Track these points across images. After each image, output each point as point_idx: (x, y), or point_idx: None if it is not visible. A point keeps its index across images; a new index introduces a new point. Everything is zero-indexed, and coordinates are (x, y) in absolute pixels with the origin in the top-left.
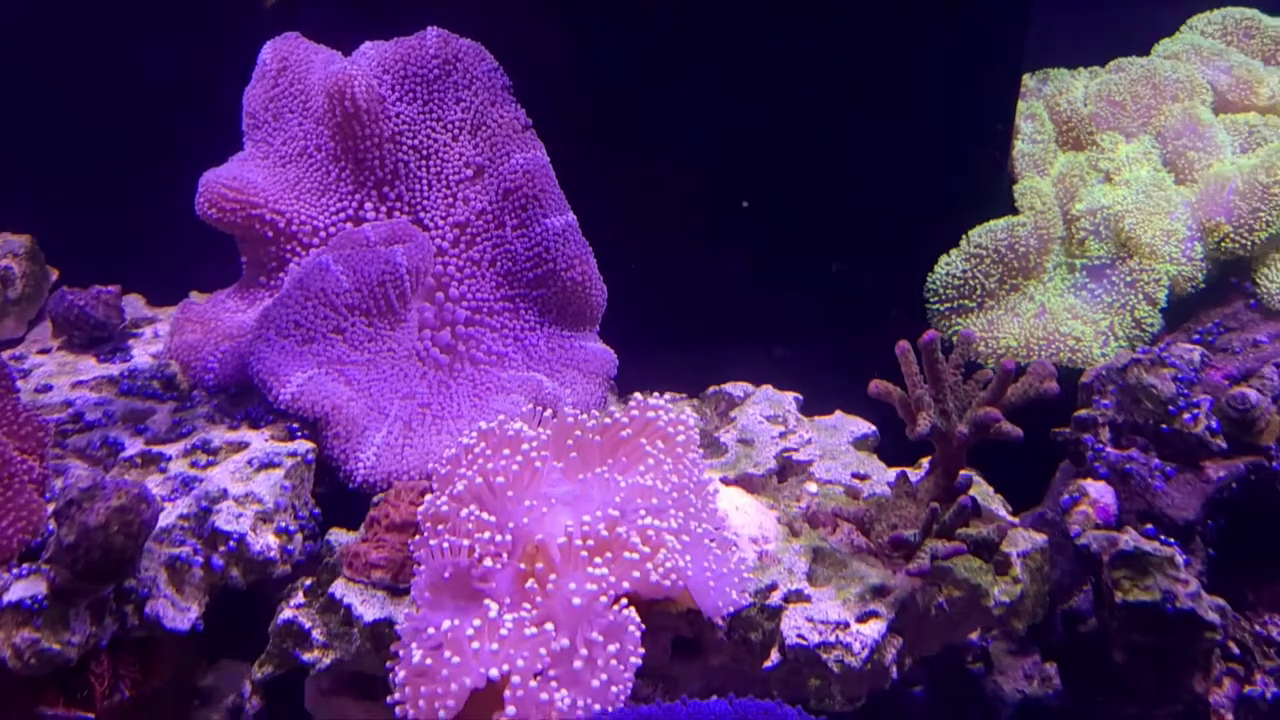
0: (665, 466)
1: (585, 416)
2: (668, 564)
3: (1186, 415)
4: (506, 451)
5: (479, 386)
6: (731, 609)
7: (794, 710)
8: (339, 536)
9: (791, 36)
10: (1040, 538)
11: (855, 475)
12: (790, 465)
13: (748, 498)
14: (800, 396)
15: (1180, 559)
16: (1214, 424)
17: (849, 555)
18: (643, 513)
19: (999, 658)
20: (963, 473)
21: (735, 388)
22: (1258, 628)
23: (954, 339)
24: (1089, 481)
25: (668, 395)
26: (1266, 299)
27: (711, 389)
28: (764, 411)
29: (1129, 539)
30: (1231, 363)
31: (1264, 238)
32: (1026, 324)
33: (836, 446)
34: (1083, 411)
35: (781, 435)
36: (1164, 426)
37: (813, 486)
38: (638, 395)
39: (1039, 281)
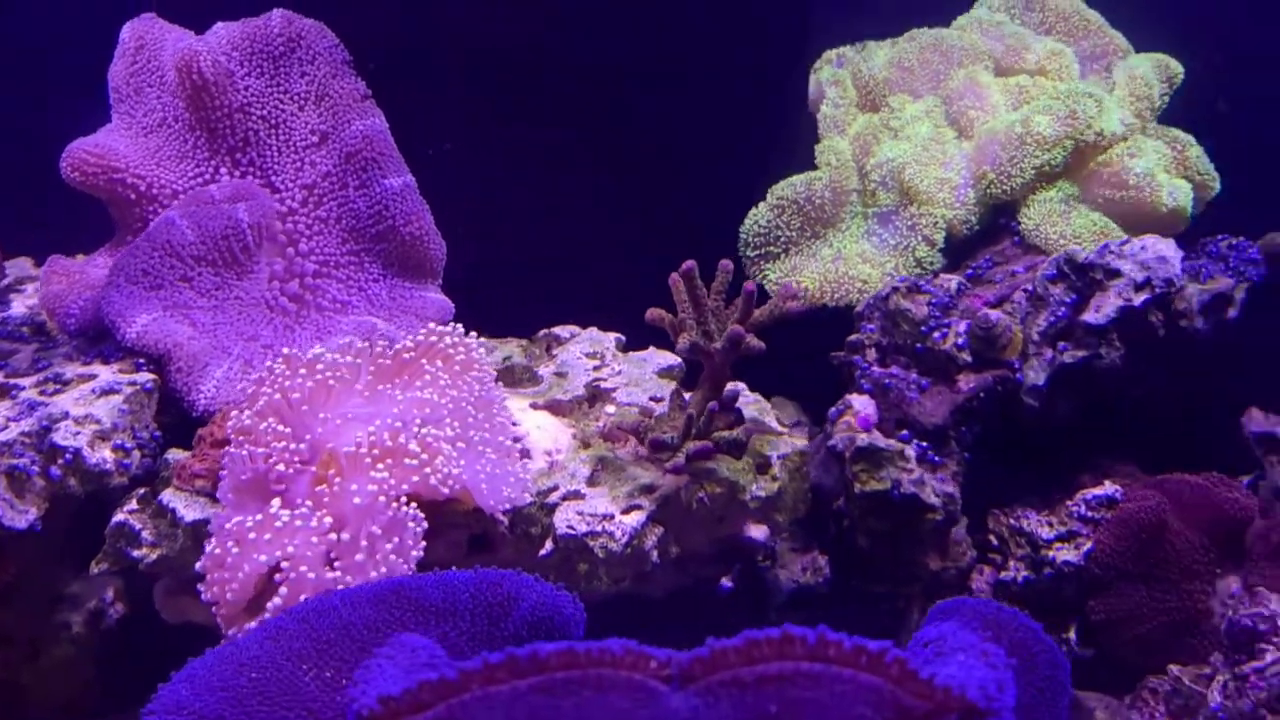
0: (443, 382)
1: (383, 344)
2: (443, 469)
3: (936, 334)
4: (303, 371)
5: (322, 330)
6: (508, 505)
7: (530, 577)
8: (175, 455)
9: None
10: (800, 442)
11: (652, 399)
12: (598, 393)
13: (552, 419)
14: (623, 336)
15: (911, 452)
16: (961, 341)
17: (629, 462)
18: (419, 422)
19: (783, 555)
20: (731, 386)
21: (564, 330)
22: (1012, 521)
23: (764, 282)
24: (854, 396)
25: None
26: (1026, 235)
27: (543, 331)
28: (584, 349)
29: (865, 437)
30: (991, 291)
31: (1019, 182)
32: (823, 268)
33: (642, 376)
34: (854, 336)
35: (596, 368)
36: (918, 345)
37: (611, 408)
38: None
39: (838, 230)
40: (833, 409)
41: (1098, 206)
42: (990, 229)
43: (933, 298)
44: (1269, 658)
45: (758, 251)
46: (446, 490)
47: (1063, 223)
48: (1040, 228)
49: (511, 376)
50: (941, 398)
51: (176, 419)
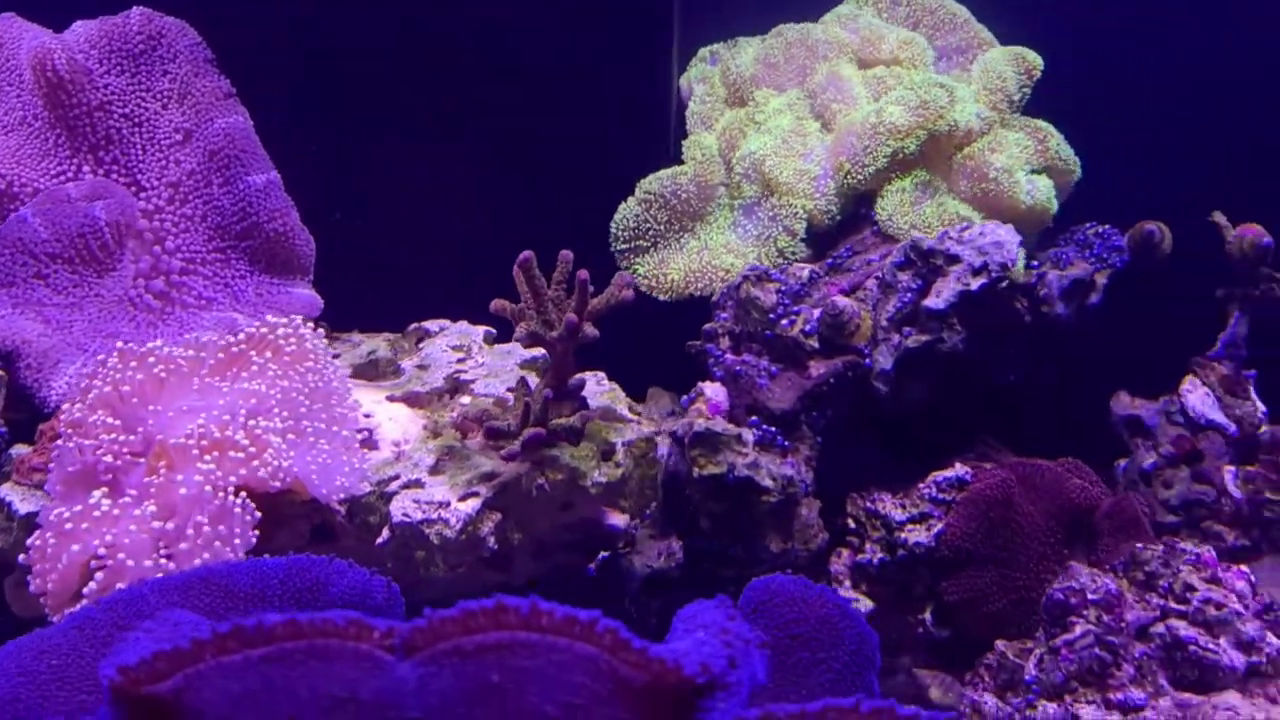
0: (271, 373)
1: (217, 338)
2: (272, 461)
3: (784, 321)
4: (134, 364)
5: (185, 326)
6: (342, 495)
7: (343, 563)
8: (20, 450)
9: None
10: (647, 429)
11: (510, 389)
12: (459, 384)
13: (406, 410)
14: (494, 330)
15: (748, 436)
16: (808, 328)
17: (476, 451)
18: (244, 414)
19: (643, 541)
20: (579, 376)
21: (434, 324)
22: (868, 504)
23: (634, 275)
24: (707, 384)
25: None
26: (882, 224)
27: (413, 325)
28: (451, 342)
29: (702, 422)
30: (846, 279)
31: (873, 171)
32: (689, 260)
33: (503, 368)
34: (709, 324)
35: (459, 361)
36: (767, 332)
37: (466, 399)
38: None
39: (706, 223)
40: (685, 397)
41: (966, 199)
42: (852, 219)
43: (782, 286)
44: (1078, 630)
45: (627, 245)
46: (277, 483)
47: (914, 212)
48: (894, 217)
49: (375, 370)
50: (791, 384)
51: (29, 416)
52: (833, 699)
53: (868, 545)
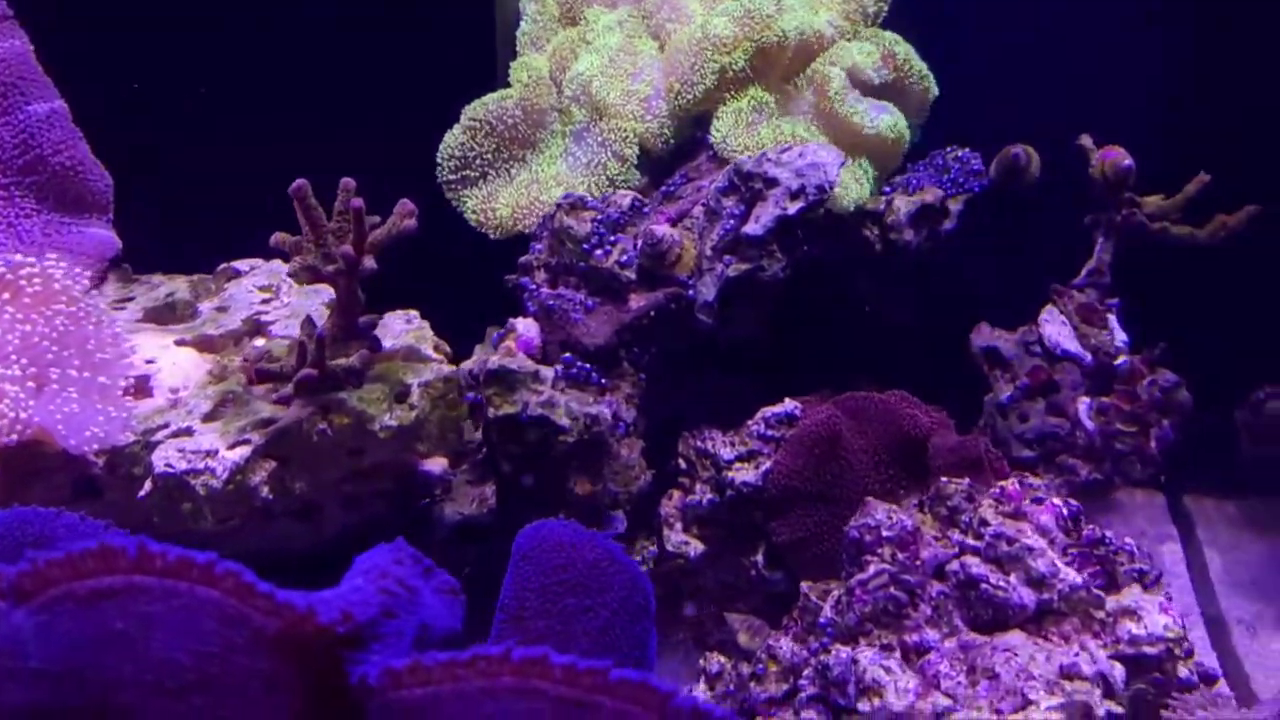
0: (8, 316)
1: None
2: (10, 412)
3: (598, 252)
4: None
5: None
6: (95, 446)
7: (74, 516)
8: None
9: None
10: (447, 369)
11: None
12: (258, 326)
13: (195, 355)
14: None
15: (547, 373)
16: (624, 259)
17: (259, 397)
18: None
19: (459, 488)
20: (372, 316)
21: (243, 264)
22: (698, 442)
23: (463, 209)
24: (520, 319)
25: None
26: (717, 148)
27: (222, 265)
28: (259, 282)
29: (495, 359)
30: (675, 206)
31: (703, 89)
32: (518, 194)
33: (309, 307)
34: (524, 256)
35: (264, 302)
36: (581, 264)
37: (261, 342)
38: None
39: (538, 152)
40: (495, 333)
41: (812, 119)
42: (690, 144)
43: (599, 214)
44: (871, 569)
45: (455, 176)
46: (14, 435)
47: (749, 135)
48: (728, 140)
49: (172, 313)
50: (608, 317)
51: None
52: (482, 647)
53: (698, 486)
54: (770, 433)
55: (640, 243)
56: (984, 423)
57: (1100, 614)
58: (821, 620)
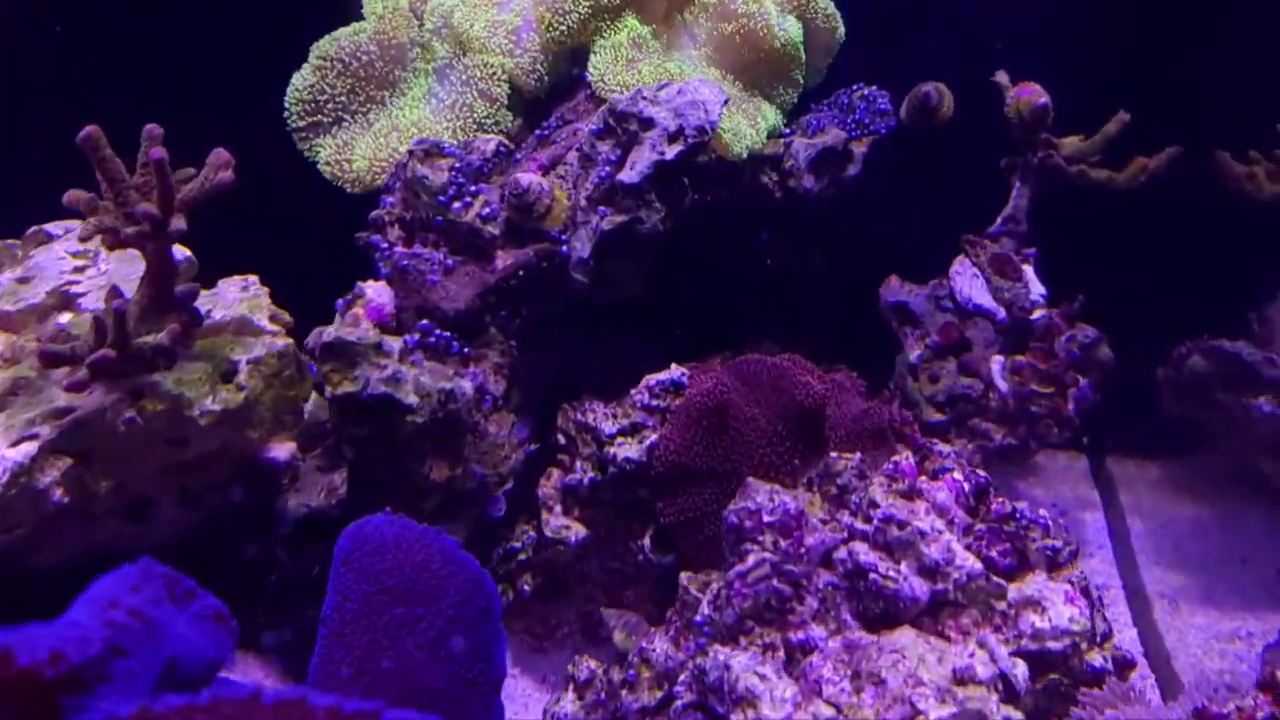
0: None
1: None
2: None
3: (456, 204)
4: None
5: None
6: None
7: None
8: None
9: None
10: (281, 343)
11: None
12: (66, 300)
13: None
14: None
15: (394, 345)
16: (487, 211)
17: (56, 383)
18: None
19: (308, 475)
20: (191, 285)
21: (56, 226)
22: (579, 415)
23: (316, 160)
24: (369, 283)
25: None
26: (595, 86)
27: (33, 229)
28: (71, 248)
29: (331, 330)
30: (548, 152)
31: (576, 20)
32: (378, 142)
33: (130, 276)
34: (375, 212)
35: (77, 270)
36: (438, 219)
37: (68, 317)
38: None
39: (399, 93)
40: (341, 300)
41: (709, 50)
42: (568, 82)
43: (457, 162)
44: (750, 560)
45: (305, 123)
46: None
47: (629, 72)
48: (606, 78)
49: None
50: (470, 279)
51: None
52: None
53: (578, 463)
54: (655, 403)
55: (506, 193)
56: (894, 384)
57: (1001, 604)
58: (698, 618)
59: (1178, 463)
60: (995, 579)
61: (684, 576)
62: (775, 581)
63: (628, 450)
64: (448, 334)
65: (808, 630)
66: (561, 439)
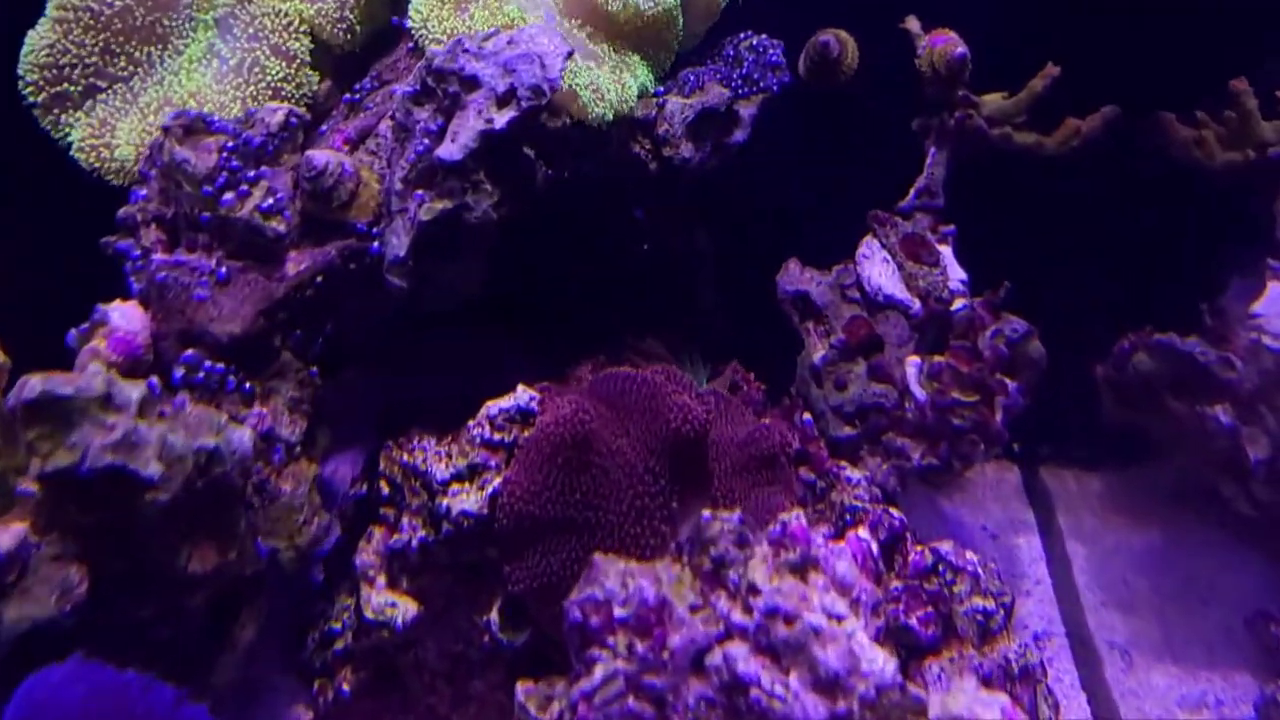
0: None
1: None
2: None
3: (228, 195)
4: None
5: None
6: None
7: None
8: None
9: None
10: None
11: None
12: None
13: None
14: None
15: (132, 394)
16: (272, 203)
17: None
18: None
19: (37, 569)
20: None
21: None
22: (406, 457)
23: (68, 143)
24: (115, 304)
25: None
26: (417, 36)
27: None
28: None
29: (38, 382)
30: (357, 121)
31: None
32: (145, 121)
33: None
34: (124, 209)
35: None
36: (205, 214)
37: None
38: None
39: (171, 51)
40: (72, 331)
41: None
42: (388, 34)
43: (227, 139)
44: (599, 674)
45: (47, 95)
46: None
47: (457, 18)
48: (429, 25)
49: None
50: (250, 291)
51: None
52: None
53: (405, 520)
54: (498, 437)
55: (299, 178)
56: (796, 389)
57: None
58: None
59: (1122, 475)
60: (913, 692)
61: (520, 691)
62: (631, 701)
63: (465, 501)
64: (221, 366)
65: None
66: (385, 488)
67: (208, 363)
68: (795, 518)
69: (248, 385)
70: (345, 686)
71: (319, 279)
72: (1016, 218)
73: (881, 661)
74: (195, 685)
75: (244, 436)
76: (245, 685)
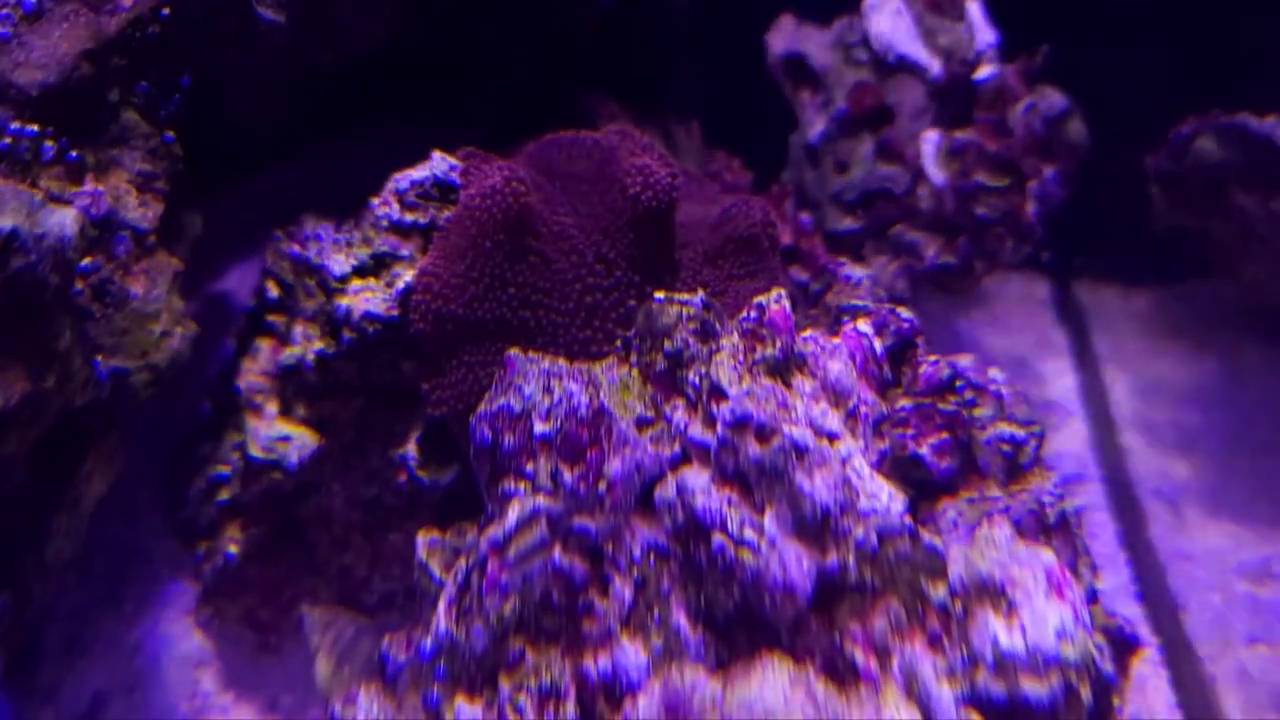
0: None
1: None
2: None
3: None
4: None
5: None
6: None
7: None
8: None
9: None
10: None
11: None
12: None
13: None
14: None
15: None
16: None
17: None
18: None
19: None
20: None
21: None
22: (294, 248)
23: None
24: None
25: None
26: None
27: None
28: None
29: None
30: None
31: None
32: None
33: None
34: None
35: None
36: None
37: None
38: None
39: None
40: None
41: None
42: None
43: None
44: (512, 516)
45: None
46: None
47: None
48: None
49: None
50: (70, 27)
51: None
52: None
53: (298, 329)
54: (409, 219)
55: None
56: (790, 177)
57: (940, 590)
58: (425, 645)
59: (1174, 291)
60: (926, 539)
61: (421, 543)
62: (557, 554)
63: (369, 302)
64: (33, 129)
65: (615, 651)
66: (273, 290)
67: (14, 124)
68: (776, 298)
69: (74, 154)
70: (232, 549)
71: (164, 10)
72: None
73: (886, 498)
74: (22, 569)
75: (64, 220)
76: (108, 560)
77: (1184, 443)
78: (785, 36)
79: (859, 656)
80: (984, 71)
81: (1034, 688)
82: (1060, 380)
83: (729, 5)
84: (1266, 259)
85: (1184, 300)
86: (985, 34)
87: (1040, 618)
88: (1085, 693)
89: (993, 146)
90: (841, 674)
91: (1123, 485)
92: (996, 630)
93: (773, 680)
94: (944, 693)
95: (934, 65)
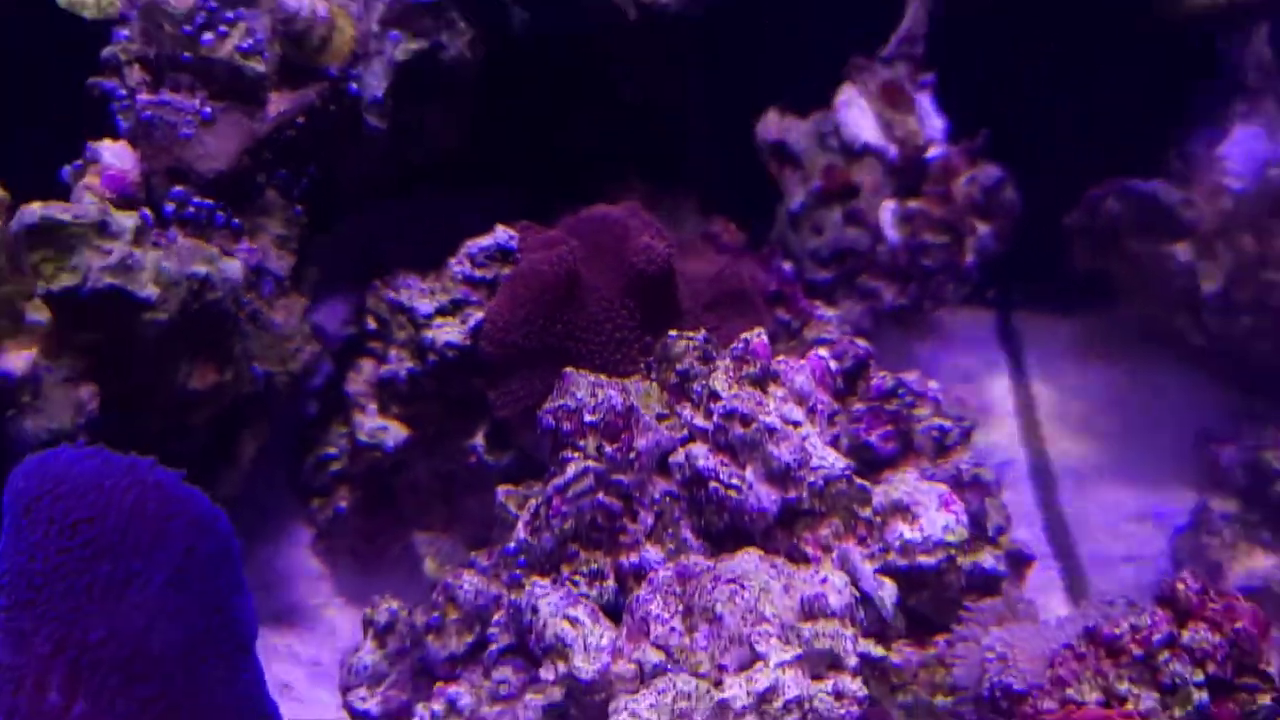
0: None
1: None
2: None
3: (208, 35)
4: None
5: None
6: None
7: None
8: None
9: None
10: None
11: None
12: None
13: None
14: None
15: (125, 222)
16: (251, 43)
17: None
18: None
19: (51, 389)
20: None
21: None
22: (391, 293)
23: None
24: (105, 143)
25: None
26: None
27: None
28: None
29: (38, 209)
30: None
31: None
32: None
33: None
34: (108, 49)
35: None
36: (184, 54)
37: None
38: None
39: None
40: (66, 168)
41: None
42: None
43: None
44: (570, 471)
45: None
46: None
47: None
48: None
49: None
50: (234, 130)
51: None
52: None
53: (393, 351)
54: (478, 274)
55: (275, 20)
56: (775, 236)
57: (867, 511)
58: (511, 545)
59: (1091, 319)
60: (858, 482)
61: (500, 491)
62: (601, 495)
63: (449, 333)
64: (209, 201)
65: (641, 553)
66: (372, 323)
67: (196, 198)
68: (757, 334)
69: (236, 221)
70: (342, 504)
71: (300, 119)
72: (994, 63)
73: (831, 459)
74: None
75: (234, 267)
76: (250, 503)
77: (1091, 431)
78: (772, 126)
79: (809, 550)
80: (933, 151)
81: (926, 559)
82: (998, 389)
83: (727, 100)
84: (1155, 291)
85: (1099, 325)
86: (935, 121)
87: (932, 521)
88: (962, 561)
89: (938, 212)
90: (796, 560)
91: (1041, 461)
92: (903, 530)
93: (749, 558)
94: (865, 566)
95: (890, 150)
